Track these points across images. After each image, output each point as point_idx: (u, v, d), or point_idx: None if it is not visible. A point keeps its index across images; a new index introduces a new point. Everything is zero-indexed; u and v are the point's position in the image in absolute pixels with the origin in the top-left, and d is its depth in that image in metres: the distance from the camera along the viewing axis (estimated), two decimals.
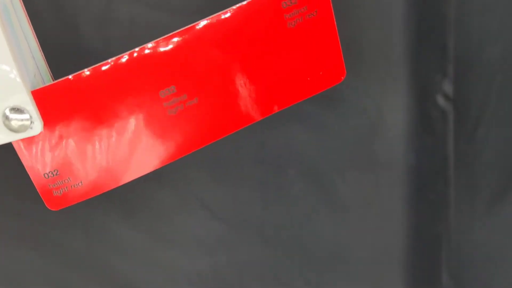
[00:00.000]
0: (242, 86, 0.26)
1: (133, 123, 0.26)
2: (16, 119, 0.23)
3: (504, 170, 0.45)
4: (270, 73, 0.26)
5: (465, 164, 0.45)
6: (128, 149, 0.26)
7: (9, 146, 0.28)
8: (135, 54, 0.26)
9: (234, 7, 0.26)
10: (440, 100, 0.45)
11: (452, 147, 0.45)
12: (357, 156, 0.45)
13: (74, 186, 0.26)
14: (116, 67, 0.26)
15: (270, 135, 0.43)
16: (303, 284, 0.44)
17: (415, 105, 0.45)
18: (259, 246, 0.43)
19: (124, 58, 0.25)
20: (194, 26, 0.26)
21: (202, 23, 0.25)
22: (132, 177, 0.26)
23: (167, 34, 0.42)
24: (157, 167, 0.26)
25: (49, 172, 0.26)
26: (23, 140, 0.25)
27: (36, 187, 0.26)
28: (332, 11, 0.27)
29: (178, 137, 0.26)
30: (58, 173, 0.26)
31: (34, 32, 0.27)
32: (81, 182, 0.26)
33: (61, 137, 0.25)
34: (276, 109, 0.27)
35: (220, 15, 0.26)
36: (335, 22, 0.28)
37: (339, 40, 0.28)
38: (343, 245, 0.44)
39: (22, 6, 0.26)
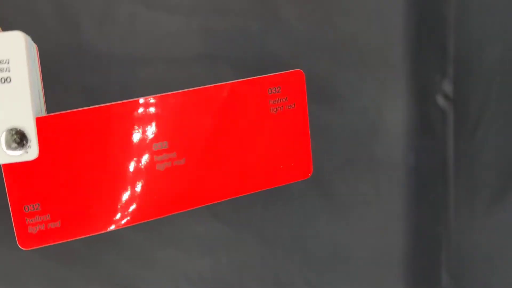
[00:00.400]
0: (223, 160, 0.27)
1: (123, 171, 0.25)
2: (15, 140, 0.23)
3: (504, 170, 0.45)
4: (250, 152, 0.27)
5: (465, 164, 0.45)
6: (114, 198, 0.25)
7: None
8: (141, 101, 0.26)
9: (228, 82, 0.27)
10: (440, 100, 0.45)
11: (452, 147, 0.45)
12: (357, 156, 0.45)
13: (51, 225, 0.25)
14: (117, 110, 0.26)
15: None
16: (303, 284, 0.44)
17: (415, 105, 0.45)
18: (259, 246, 0.43)
19: (126, 104, 0.26)
20: (192, 91, 0.27)
21: (199, 89, 0.27)
22: (108, 228, 0.25)
23: (166, 34, 0.42)
24: (136, 222, 0.26)
25: (30, 205, 0.25)
26: (13, 165, 0.24)
27: (13, 220, 0.24)
28: (307, 108, 0.29)
29: (160, 195, 0.26)
30: (39, 207, 0.25)
31: (40, 72, 0.28)
32: (59, 222, 0.25)
33: (50, 170, 0.25)
34: (246, 191, 0.28)
35: (214, 87, 0.27)
36: (308, 119, 0.29)
37: (309, 137, 0.29)
38: (343, 245, 0.44)
39: (36, 50, 0.27)
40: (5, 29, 0.40)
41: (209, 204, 0.27)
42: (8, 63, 0.22)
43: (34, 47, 0.26)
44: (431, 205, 0.45)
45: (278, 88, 0.29)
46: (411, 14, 0.45)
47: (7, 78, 0.22)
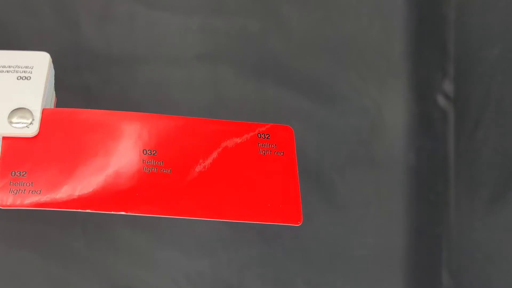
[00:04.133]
0: (207, 181, 0.29)
1: (111, 164, 0.28)
2: (21, 116, 0.28)
3: (504, 170, 0.45)
4: (236, 182, 0.29)
5: (465, 163, 0.45)
6: (97, 184, 0.28)
7: None
8: (140, 115, 0.29)
9: (222, 120, 0.30)
10: (440, 100, 0.45)
11: (452, 147, 0.45)
12: (357, 156, 0.45)
13: (32, 191, 0.27)
14: (118, 115, 0.29)
15: None
16: (303, 284, 0.44)
17: (415, 105, 0.45)
18: (259, 246, 0.43)
19: (127, 113, 0.29)
20: (192, 119, 0.30)
21: (196, 120, 0.30)
22: (86, 209, 0.27)
23: (166, 34, 0.42)
24: (115, 211, 0.28)
25: (17, 171, 0.27)
26: (13, 138, 0.28)
27: None
28: (296, 160, 0.31)
29: (144, 194, 0.28)
30: (25, 175, 0.27)
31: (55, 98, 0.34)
32: (40, 190, 0.27)
33: (45, 150, 0.28)
34: (223, 217, 0.29)
35: (211, 121, 0.30)
36: (297, 171, 0.30)
37: (298, 186, 0.30)
38: (343, 245, 0.44)
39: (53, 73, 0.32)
40: (6, 29, 0.40)
41: (184, 217, 0.28)
42: (32, 68, 0.29)
43: (53, 74, 0.32)
44: (431, 204, 0.45)
45: (267, 135, 0.31)
46: (411, 14, 0.45)
47: (28, 77, 0.29)
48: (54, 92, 0.33)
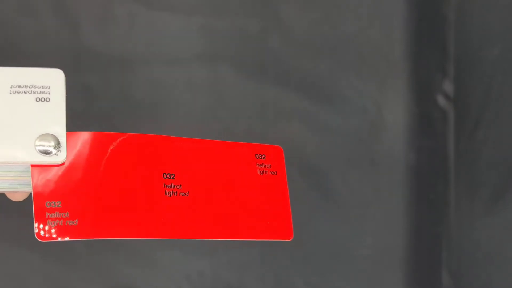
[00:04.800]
0: (220, 205, 0.31)
1: (137, 188, 0.29)
2: (47, 143, 0.27)
3: (504, 170, 0.45)
4: (240, 202, 0.31)
5: (465, 163, 0.45)
6: (125, 210, 0.29)
7: None
8: (158, 138, 0.30)
9: (227, 142, 0.32)
10: (441, 100, 0.45)
11: (452, 147, 0.45)
12: (357, 156, 0.45)
13: (68, 222, 0.27)
14: (141, 139, 0.30)
15: (269, 134, 0.43)
16: (303, 284, 0.44)
17: (415, 105, 0.45)
18: (259, 246, 0.43)
19: (148, 136, 0.30)
20: (202, 141, 0.31)
21: (204, 141, 0.31)
22: (118, 236, 0.28)
23: (166, 34, 0.42)
24: (140, 237, 0.29)
25: (51, 202, 0.27)
26: (41, 166, 0.28)
27: (35, 214, 0.27)
28: (286, 178, 0.33)
29: (166, 219, 0.29)
30: (60, 205, 0.27)
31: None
32: (76, 221, 0.27)
33: (73, 177, 0.28)
34: (237, 237, 0.31)
35: (216, 142, 0.32)
36: (287, 189, 0.33)
37: (289, 204, 0.33)
38: (343, 244, 0.44)
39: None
40: (6, 30, 0.40)
41: (201, 239, 0.30)
42: (49, 88, 0.28)
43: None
44: (431, 204, 0.45)
45: (263, 156, 0.32)
46: (411, 14, 0.45)
47: (46, 98, 0.28)
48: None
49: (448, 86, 0.45)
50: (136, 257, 0.41)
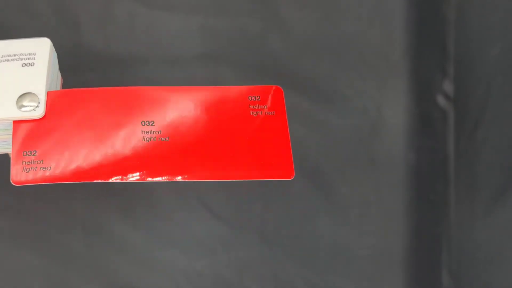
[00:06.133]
0: (204, 144, 0.31)
1: (114, 136, 0.31)
2: (27, 100, 0.30)
3: (504, 170, 0.45)
4: (229, 142, 0.31)
5: (465, 163, 0.45)
6: (101, 155, 0.30)
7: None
8: (138, 89, 0.32)
9: (214, 86, 0.32)
10: (440, 100, 0.45)
11: (452, 147, 0.45)
12: (357, 156, 0.45)
13: (42, 168, 0.30)
14: (117, 90, 0.32)
15: None
16: (302, 284, 0.44)
17: (415, 105, 0.45)
18: (259, 246, 0.43)
19: (123, 88, 0.32)
20: (183, 88, 0.32)
21: (189, 88, 0.32)
22: (91, 179, 0.30)
23: (166, 34, 0.42)
24: (118, 180, 0.30)
25: (28, 151, 0.30)
26: (22, 121, 0.30)
27: (12, 162, 0.29)
28: (286, 117, 0.33)
29: (144, 161, 0.30)
30: (36, 153, 0.30)
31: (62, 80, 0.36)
32: (50, 167, 0.30)
33: (52, 129, 0.30)
34: (223, 177, 0.32)
35: (203, 88, 0.32)
36: (287, 127, 0.33)
37: (289, 143, 0.33)
38: (343, 244, 0.44)
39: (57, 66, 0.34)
40: (6, 30, 0.40)
41: (185, 180, 0.31)
42: (34, 55, 0.31)
43: (56, 57, 0.34)
44: (431, 204, 0.45)
45: (258, 97, 0.32)
46: (411, 14, 0.45)
47: (31, 63, 0.31)
48: (59, 73, 0.35)
49: (448, 86, 0.45)
50: (136, 257, 0.41)
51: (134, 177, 0.30)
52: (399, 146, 0.45)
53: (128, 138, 0.30)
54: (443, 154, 0.45)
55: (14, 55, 0.31)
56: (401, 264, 0.45)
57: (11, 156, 0.30)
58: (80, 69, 0.41)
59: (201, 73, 0.42)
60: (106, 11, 0.41)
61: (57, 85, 0.34)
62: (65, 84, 0.40)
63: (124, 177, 0.30)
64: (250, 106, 0.32)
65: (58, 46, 0.40)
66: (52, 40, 0.40)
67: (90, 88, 0.32)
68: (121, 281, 0.41)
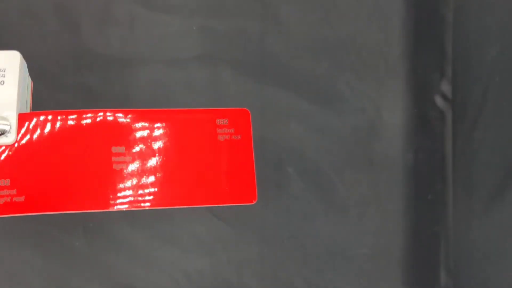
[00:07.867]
0: (173, 170, 0.31)
1: (84, 163, 0.30)
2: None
3: (501, 170, 0.46)
4: (196, 169, 0.31)
5: (463, 163, 0.45)
6: (72, 184, 0.30)
7: None
8: (105, 114, 0.31)
9: (182, 109, 0.32)
10: (438, 101, 0.45)
11: (450, 147, 0.45)
12: (356, 156, 0.45)
13: (15, 199, 0.29)
14: (93, 114, 0.31)
15: (269, 134, 0.43)
16: (302, 284, 0.44)
17: (413, 105, 0.45)
18: (259, 246, 0.43)
19: (93, 114, 0.31)
20: (151, 111, 0.32)
21: (160, 111, 0.32)
22: (63, 210, 0.29)
23: (166, 34, 0.42)
24: (91, 209, 0.30)
25: (1, 180, 0.29)
26: None
27: None
28: (252, 141, 0.33)
29: (114, 191, 0.30)
30: (8, 183, 0.29)
31: (31, 96, 0.34)
32: (23, 197, 0.29)
33: (24, 156, 0.29)
34: (188, 203, 0.32)
35: (171, 111, 0.32)
36: (252, 151, 0.33)
37: (254, 166, 0.33)
38: (342, 244, 0.44)
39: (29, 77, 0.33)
40: (7, 31, 0.40)
41: (152, 208, 0.30)
42: (4, 71, 0.28)
43: (26, 67, 0.32)
44: (429, 204, 0.46)
45: (226, 120, 0.32)
46: (409, 14, 0.45)
47: (1, 82, 0.28)
48: (29, 79, 0.33)
49: (446, 87, 0.45)
50: (136, 256, 0.41)
51: (105, 207, 0.30)
52: (397, 146, 0.45)
53: (100, 167, 0.30)
54: (441, 154, 0.46)
55: None
56: (400, 263, 0.45)
57: None
58: (80, 70, 0.41)
59: (201, 73, 0.42)
60: (106, 11, 0.41)
61: (27, 101, 0.33)
62: (65, 84, 0.40)
63: (95, 207, 0.29)
64: (218, 130, 0.32)
65: (58, 46, 0.40)
66: (52, 41, 0.40)
67: (60, 111, 0.31)
68: (121, 281, 0.41)
